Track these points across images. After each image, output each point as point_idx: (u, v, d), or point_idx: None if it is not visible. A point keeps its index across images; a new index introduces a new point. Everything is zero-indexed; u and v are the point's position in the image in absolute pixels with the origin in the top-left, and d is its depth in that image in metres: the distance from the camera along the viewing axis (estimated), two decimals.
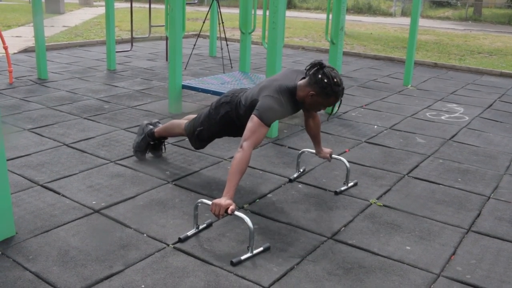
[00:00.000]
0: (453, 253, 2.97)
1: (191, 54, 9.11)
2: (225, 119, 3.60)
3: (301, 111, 3.61)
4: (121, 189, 3.63)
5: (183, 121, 3.99)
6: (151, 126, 4.17)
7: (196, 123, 3.80)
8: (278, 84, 3.26)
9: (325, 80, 3.11)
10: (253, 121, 3.12)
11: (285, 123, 5.44)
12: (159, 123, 4.25)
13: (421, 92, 7.48)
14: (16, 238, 2.92)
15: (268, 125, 3.15)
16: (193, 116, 4.11)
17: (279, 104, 3.18)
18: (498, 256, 2.96)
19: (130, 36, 9.67)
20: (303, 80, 3.25)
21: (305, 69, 3.26)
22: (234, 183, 2.96)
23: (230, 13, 18.53)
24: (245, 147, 3.04)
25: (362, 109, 6.29)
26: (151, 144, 4.18)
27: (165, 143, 4.34)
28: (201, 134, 3.77)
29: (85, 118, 5.34)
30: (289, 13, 21.03)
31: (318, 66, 3.16)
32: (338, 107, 3.35)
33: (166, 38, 8.19)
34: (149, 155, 4.27)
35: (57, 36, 11.51)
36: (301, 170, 4.08)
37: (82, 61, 8.88)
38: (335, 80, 3.13)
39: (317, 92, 3.17)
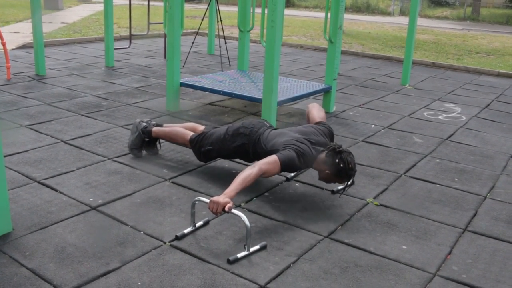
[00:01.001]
0: (449, 253, 2.98)
1: (189, 51, 9.10)
2: (239, 149, 3.75)
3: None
4: (118, 187, 3.63)
5: (188, 133, 4.01)
6: (144, 124, 4.17)
7: (205, 141, 3.87)
8: (304, 148, 3.47)
9: (341, 165, 3.34)
10: (273, 159, 3.32)
11: (282, 122, 5.45)
12: (150, 121, 4.24)
13: (419, 92, 7.49)
14: (13, 234, 2.92)
15: (282, 169, 3.37)
16: (194, 125, 4.18)
17: (299, 162, 3.42)
18: (493, 256, 2.97)
19: (128, 33, 9.66)
20: (323, 156, 3.45)
21: (326, 148, 3.47)
22: (237, 188, 3.05)
23: (229, 11, 18.53)
24: (257, 168, 3.20)
25: (360, 108, 6.29)
26: (146, 141, 4.19)
27: (160, 140, 4.33)
28: (209, 153, 3.87)
29: (82, 115, 5.34)
30: (287, 12, 21.02)
31: (337, 150, 3.40)
32: (350, 186, 3.56)
33: (165, 36, 8.18)
34: (145, 152, 4.27)
35: (55, 32, 11.49)
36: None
37: (80, 57, 8.87)
38: (350, 165, 3.36)
39: (332, 172, 3.39)
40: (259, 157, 3.58)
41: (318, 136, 3.67)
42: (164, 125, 4.25)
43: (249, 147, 3.70)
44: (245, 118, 5.55)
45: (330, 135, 3.82)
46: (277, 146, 3.52)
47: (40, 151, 4.24)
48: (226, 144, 3.78)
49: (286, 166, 3.37)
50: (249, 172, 3.15)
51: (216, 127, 4.03)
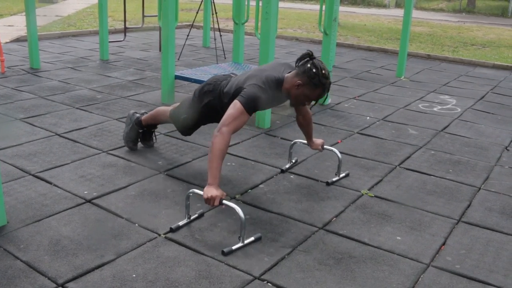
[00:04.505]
0: (443, 243, 2.99)
1: (184, 44, 9.08)
2: (208, 108, 3.56)
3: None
4: (113, 179, 3.62)
5: (168, 108, 3.94)
6: (138, 115, 4.12)
7: (180, 111, 3.77)
8: (266, 74, 3.25)
9: (314, 70, 3.09)
10: (235, 108, 3.09)
11: (277, 114, 5.45)
12: (146, 113, 4.20)
13: (414, 84, 7.49)
14: (8, 227, 2.91)
15: (250, 113, 3.12)
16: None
17: (264, 93, 3.16)
18: (487, 246, 2.99)
19: (123, 26, 9.62)
20: (292, 72, 3.25)
21: (296, 61, 3.24)
22: (218, 168, 2.96)
23: (224, 3, 18.44)
24: (224, 132, 3.01)
25: (355, 100, 6.30)
26: (140, 133, 4.15)
27: (156, 133, 4.31)
28: (186, 122, 3.74)
29: (77, 108, 5.32)
30: (283, 4, 20.97)
31: (308, 57, 3.16)
32: (324, 100, 3.30)
33: (159, 29, 8.15)
34: (140, 145, 4.26)
35: (49, 25, 11.43)
36: (293, 161, 4.09)
37: (75, 51, 8.83)
38: (323, 71, 3.11)
39: (304, 82, 3.14)
40: (227, 107, 3.26)
41: (287, 64, 3.42)
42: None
43: (216, 102, 3.48)
44: None
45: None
46: (240, 85, 3.25)
47: (34, 144, 4.23)
48: (196, 107, 3.60)
49: (252, 106, 3.11)
50: (219, 142, 2.96)
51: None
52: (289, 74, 3.26)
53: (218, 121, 3.51)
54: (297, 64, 3.21)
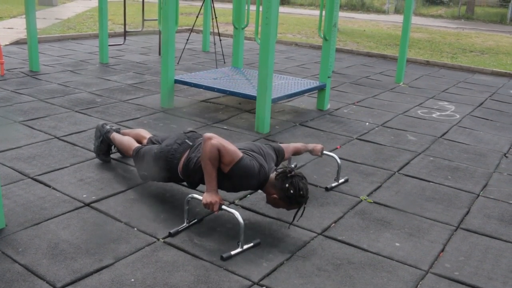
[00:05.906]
0: (442, 250, 2.99)
1: (184, 48, 9.08)
2: (169, 174, 3.40)
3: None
4: (112, 183, 3.62)
5: (132, 146, 3.68)
6: (108, 127, 3.94)
7: (139, 163, 3.55)
8: (266, 168, 3.13)
9: (291, 191, 2.99)
10: (235, 152, 3.02)
11: (276, 119, 5.45)
12: (112, 126, 3.98)
13: (413, 90, 7.51)
14: (6, 230, 2.91)
15: (233, 168, 3.01)
16: (141, 133, 3.87)
17: (254, 179, 3.08)
18: (486, 253, 2.99)
19: (123, 30, 9.63)
20: (272, 177, 3.11)
21: (276, 174, 3.09)
22: (214, 175, 2.98)
23: (224, 8, 18.49)
24: (214, 144, 2.95)
25: (354, 106, 6.30)
26: (112, 147, 3.98)
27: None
28: (145, 177, 3.58)
29: (76, 111, 5.32)
30: (282, 9, 20.99)
31: (288, 174, 3.04)
32: (302, 214, 3.17)
33: (159, 32, 8.16)
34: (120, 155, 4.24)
35: (49, 28, 11.44)
36: (292, 166, 4.09)
37: (75, 54, 8.83)
38: (301, 192, 3.01)
39: (280, 197, 3.05)
40: (193, 177, 3.25)
41: (264, 155, 3.28)
42: (122, 131, 3.98)
43: (178, 173, 3.31)
44: (239, 116, 5.55)
45: (276, 152, 3.48)
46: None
47: (33, 147, 4.22)
48: (155, 171, 3.42)
49: (240, 169, 3.02)
50: (209, 152, 2.93)
51: (154, 140, 3.68)
52: (272, 177, 3.12)
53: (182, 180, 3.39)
54: (277, 176, 3.07)
